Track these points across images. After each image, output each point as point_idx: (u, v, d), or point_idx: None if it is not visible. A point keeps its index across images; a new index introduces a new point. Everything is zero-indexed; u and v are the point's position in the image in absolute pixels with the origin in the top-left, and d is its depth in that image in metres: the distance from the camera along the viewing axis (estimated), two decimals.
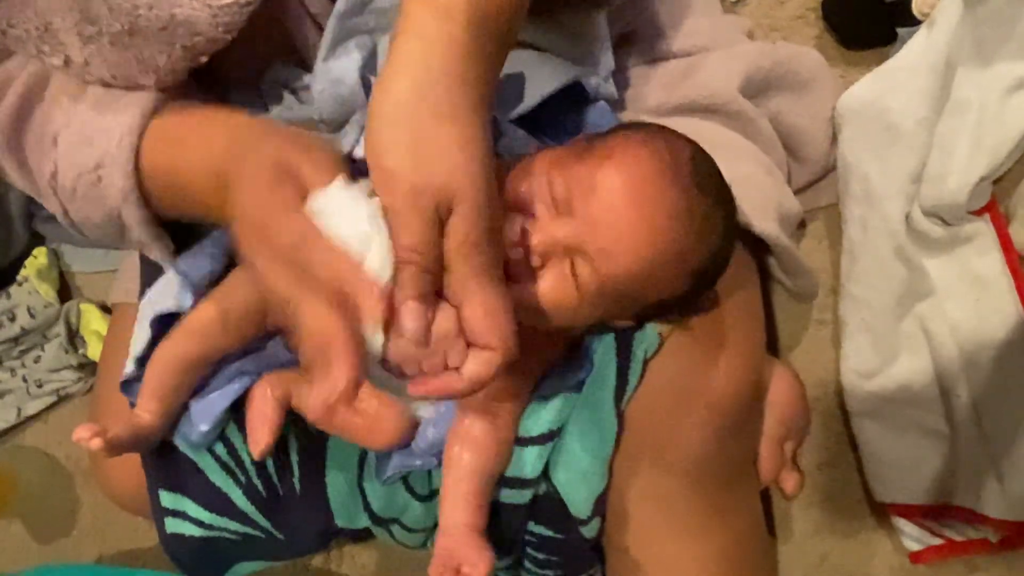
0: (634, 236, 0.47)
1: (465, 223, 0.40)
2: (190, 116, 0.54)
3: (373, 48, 0.57)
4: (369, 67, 0.57)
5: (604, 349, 0.57)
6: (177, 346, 0.57)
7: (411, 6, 0.42)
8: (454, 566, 0.54)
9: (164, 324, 0.58)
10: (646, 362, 0.57)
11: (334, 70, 0.56)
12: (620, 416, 0.58)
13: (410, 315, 0.41)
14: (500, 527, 0.60)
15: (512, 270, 0.47)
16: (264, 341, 0.60)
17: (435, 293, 0.42)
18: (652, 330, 0.56)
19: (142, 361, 0.59)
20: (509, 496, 0.59)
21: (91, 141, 0.52)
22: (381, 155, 0.40)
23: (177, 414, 0.60)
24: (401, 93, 0.40)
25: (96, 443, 0.54)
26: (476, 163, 0.40)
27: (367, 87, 0.56)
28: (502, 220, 0.44)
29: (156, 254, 0.58)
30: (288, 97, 0.61)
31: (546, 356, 0.57)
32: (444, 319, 0.42)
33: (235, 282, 0.58)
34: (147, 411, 0.58)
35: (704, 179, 0.49)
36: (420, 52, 0.41)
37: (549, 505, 0.60)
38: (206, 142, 0.51)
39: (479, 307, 0.41)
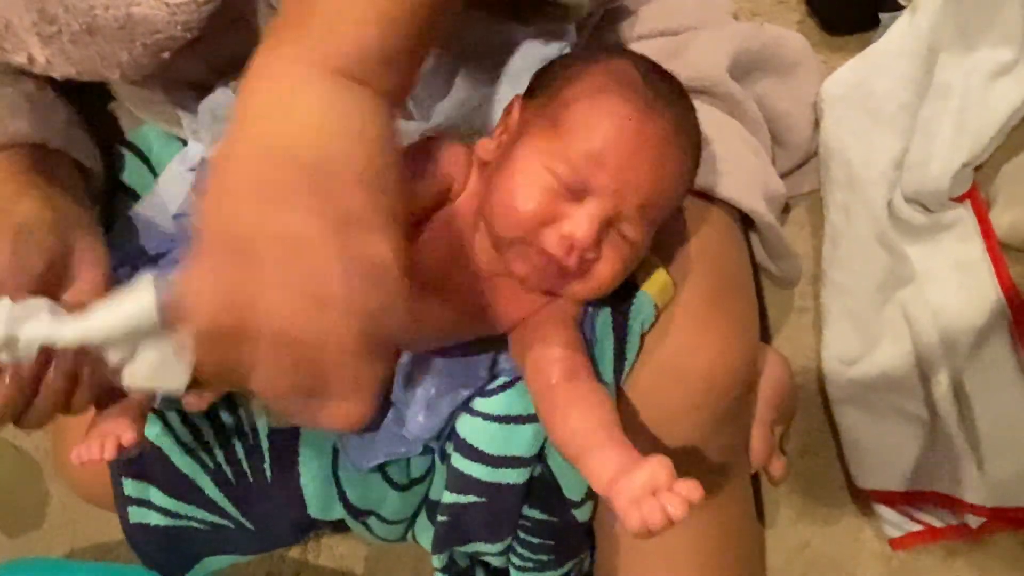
0: (653, 172, 0.49)
1: None
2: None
3: None
4: None
5: (602, 324, 0.56)
6: None
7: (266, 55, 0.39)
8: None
9: None
10: (643, 336, 0.56)
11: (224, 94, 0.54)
12: (618, 393, 0.57)
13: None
14: (496, 510, 0.59)
15: (577, 269, 0.49)
16: None
17: None
18: (648, 301, 0.56)
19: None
20: (507, 476, 0.58)
21: None
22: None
23: None
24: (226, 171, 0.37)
25: (110, 452, 0.50)
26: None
27: None
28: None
29: None
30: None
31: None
32: None
33: None
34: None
35: (663, 84, 0.52)
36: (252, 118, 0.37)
37: (543, 487, 0.60)
38: None
39: None
